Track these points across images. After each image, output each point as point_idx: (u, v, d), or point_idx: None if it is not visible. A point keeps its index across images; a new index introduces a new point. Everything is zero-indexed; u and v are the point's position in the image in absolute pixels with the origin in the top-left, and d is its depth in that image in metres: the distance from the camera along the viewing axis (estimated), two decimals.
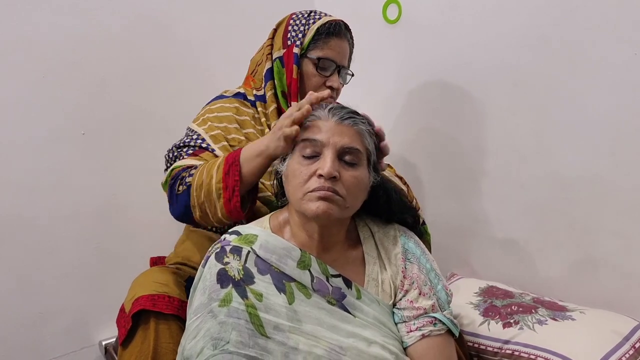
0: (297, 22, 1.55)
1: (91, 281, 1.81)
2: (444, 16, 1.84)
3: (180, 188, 1.33)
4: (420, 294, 1.15)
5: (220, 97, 1.59)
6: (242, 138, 1.49)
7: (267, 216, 1.25)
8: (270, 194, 1.43)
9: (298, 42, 1.53)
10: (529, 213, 1.72)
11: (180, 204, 1.33)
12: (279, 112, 1.53)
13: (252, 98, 1.59)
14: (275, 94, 1.55)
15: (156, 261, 1.62)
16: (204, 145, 1.43)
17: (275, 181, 1.25)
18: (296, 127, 1.13)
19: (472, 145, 1.83)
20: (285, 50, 1.54)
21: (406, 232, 1.24)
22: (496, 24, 1.71)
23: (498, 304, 1.57)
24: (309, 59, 1.53)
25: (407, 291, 1.16)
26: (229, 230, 1.18)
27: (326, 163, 1.07)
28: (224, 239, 1.15)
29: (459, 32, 1.81)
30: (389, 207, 1.22)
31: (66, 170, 1.76)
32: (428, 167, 1.96)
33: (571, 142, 1.60)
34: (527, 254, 1.74)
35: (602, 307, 1.52)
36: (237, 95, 1.59)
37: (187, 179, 1.32)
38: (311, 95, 1.16)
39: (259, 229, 1.17)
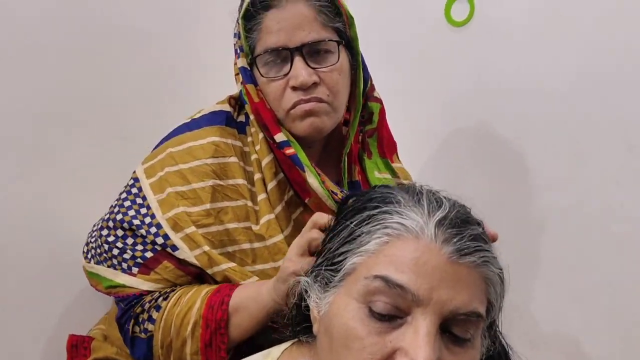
0: (236, 14, 1.02)
1: None
2: (531, 19, 1.36)
3: (137, 329, 0.95)
4: None
5: (188, 127, 1.04)
6: (224, 205, 0.98)
7: (273, 356, 0.74)
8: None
9: (238, 48, 1.02)
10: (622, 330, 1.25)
11: (139, 351, 0.95)
12: (268, 144, 1.01)
13: (242, 118, 1.06)
14: None
15: (76, 344, 1.08)
16: (158, 240, 0.95)
17: (294, 309, 0.73)
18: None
19: (552, 185, 1.36)
20: (234, 64, 1.05)
21: None
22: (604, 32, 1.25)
23: None
24: (257, 65, 1.00)
25: None
26: None
27: (419, 347, 0.56)
28: None
29: (550, 39, 1.34)
30: None
31: None
32: (487, 199, 1.48)
33: None
34: None
35: None
36: (217, 117, 1.04)
37: (146, 325, 0.94)
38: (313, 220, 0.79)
39: None
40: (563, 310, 1.33)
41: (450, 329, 0.60)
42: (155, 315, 0.92)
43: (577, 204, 1.29)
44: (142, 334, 0.93)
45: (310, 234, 0.76)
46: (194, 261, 0.93)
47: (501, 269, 0.65)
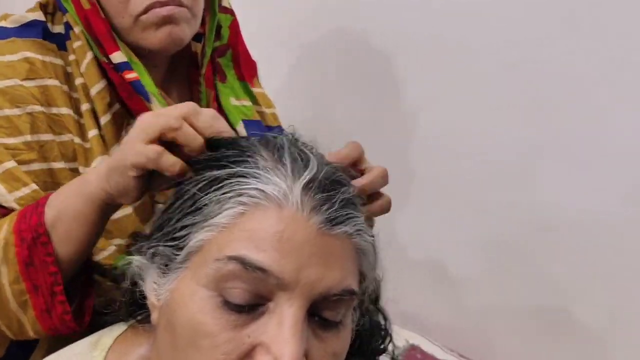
0: None
1: None
2: None
3: None
4: None
5: None
6: (47, 138, 0.78)
7: (103, 344, 0.60)
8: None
9: None
10: (487, 253, 1.25)
11: None
12: (100, 66, 0.80)
13: (59, 30, 0.83)
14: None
15: None
16: None
17: (127, 294, 0.58)
18: (164, 153, 0.56)
19: (428, 105, 1.27)
20: None
21: None
22: None
23: None
24: None
25: None
26: None
27: (285, 342, 0.46)
28: None
29: None
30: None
31: None
32: (357, 120, 1.38)
33: (571, 166, 1.12)
34: (471, 306, 1.30)
35: None
36: (31, 30, 0.82)
37: None
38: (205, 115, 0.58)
39: None
40: (434, 234, 1.32)
41: (319, 313, 0.50)
42: None
43: (452, 129, 1.23)
44: None
45: (168, 118, 0.56)
46: (14, 206, 0.72)
47: (373, 237, 0.56)
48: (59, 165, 0.78)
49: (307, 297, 0.48)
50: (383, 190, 0.67)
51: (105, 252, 0.77)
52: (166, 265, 0.52)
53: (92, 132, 0.80)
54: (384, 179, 0.64)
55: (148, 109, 0.78)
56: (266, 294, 0.48)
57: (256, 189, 0.49)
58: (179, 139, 0.56)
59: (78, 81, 0.81)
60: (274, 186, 0.49)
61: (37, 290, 0.65)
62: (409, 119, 1.29)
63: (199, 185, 0.51)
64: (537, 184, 1.16)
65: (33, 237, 0.65)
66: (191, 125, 0.56)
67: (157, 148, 0.55)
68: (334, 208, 0.49)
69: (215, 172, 0.51)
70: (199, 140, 0.55)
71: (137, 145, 0.56)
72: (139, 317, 0.59)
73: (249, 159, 0.51)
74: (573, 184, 1.11)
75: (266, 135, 0.56)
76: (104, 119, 0.80)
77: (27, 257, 0.65)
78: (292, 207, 0.48)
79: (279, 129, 1.02)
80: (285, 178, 0.49)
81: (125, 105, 0.81)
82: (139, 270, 0.54)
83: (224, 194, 0.49)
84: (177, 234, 0.51)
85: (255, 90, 1.00)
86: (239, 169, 0.50)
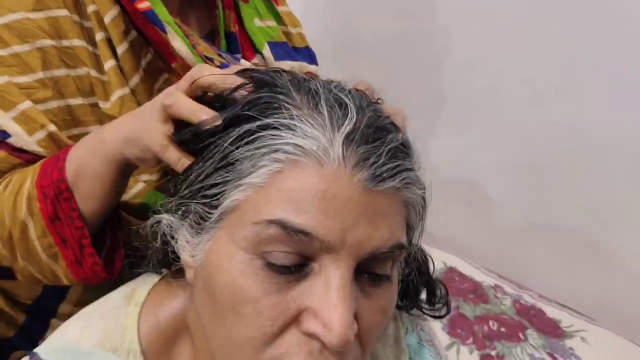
0: None
1: None
2: None
3: None
4: None
5: None
6: (62, 74, 0.72)
7: (137, 299, 0.57)
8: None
9: None
10: (525, 174, 1.20)
11: None
12: (122, 6, 0.73)
13: None
14: None
15: None
16: None
17: (159, 253, 0.55)
18: (168, 147, 0.52)
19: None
20: None
21: (411, 321, 0.66)
22: None
23: (468, 313, 1.12)
24: None
25: None
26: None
27: (333, 307, 0.43)
28: None
29: None
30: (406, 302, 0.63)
31: None
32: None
33: (614, 84, 1.04)
34: (506, 227, 1.26)
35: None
36: None
37: None
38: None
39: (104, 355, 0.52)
40: (470, 155, 1.26)
41: (367, 270, 0.46)
42: None
43: (486, 47, 1.15)
44: None
45: (175, 97, 0.52)
46: (36, 149, 0.69)
47: (424, 189, 0.51)
48: (76, 101, 0.73)
49: (354, 258, 0.44)
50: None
51: (134, 189, 0.74)
52: (199, 224, 0.48)
53: (109, 64, 0.74)
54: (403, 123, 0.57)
55: (164, 39, 0.71)
56: (310, 254, 0.44)
57: (293, 144, 0.43)
58: (176, 115, 0.52)
59: (90, 8, 0.74)
60: (312, 140, 0.43)
61: (66, 243, 0.63)
62: (441, 36, 1.19)
63: (229, 138, 0.46)
64: (577, 104, 1.09)
65: (55, 193, 0.63)
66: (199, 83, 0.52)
67: (164, 142, 0.52)
68: (380, 161, 0.44)
69: (246, 125, 0.45)
70: (196, 113, 0.50)
71: (154, 123, 0.54)
72: (173, 269, 0.56)
73: (281, 106, 0.45)
74: (615, 104, 1.04)
75: (296, 76, 0.49)
76: (121, 49, 0.74)
77: (52, 212, 0.63)
78: (334, 163, 0.43)
79: (307, 50, 0.95)
80: (323, 130, 0.44)
81: (142, 32, 0.75)
82: (169, 229, 0.50)
83: (257, 148, 0.44)
84: (209, 192, 0.47)
85: (280, 9, 0.92)
86: (271, 120, 0.45)
